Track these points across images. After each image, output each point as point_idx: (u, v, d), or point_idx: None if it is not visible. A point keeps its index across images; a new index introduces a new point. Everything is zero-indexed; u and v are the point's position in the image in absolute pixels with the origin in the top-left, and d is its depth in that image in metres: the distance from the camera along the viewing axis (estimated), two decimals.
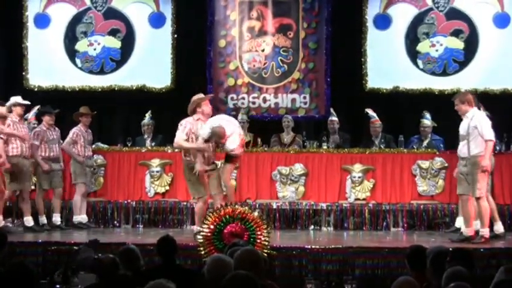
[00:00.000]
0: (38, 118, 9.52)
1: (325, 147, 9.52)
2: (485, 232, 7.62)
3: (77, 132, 9.19)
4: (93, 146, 9.74)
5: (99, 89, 11.16)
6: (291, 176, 9.22)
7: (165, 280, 3.35)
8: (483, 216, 7.64)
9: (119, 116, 11.37)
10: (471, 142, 7.61)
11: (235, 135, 7.77)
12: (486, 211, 7.64)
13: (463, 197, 7.82)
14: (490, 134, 7.60)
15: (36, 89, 11.15)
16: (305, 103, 11.08)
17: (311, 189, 9.26)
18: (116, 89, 11.18)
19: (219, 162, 8.19)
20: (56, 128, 9.21)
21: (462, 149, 7.77)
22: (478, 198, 7.58)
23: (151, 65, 11.17)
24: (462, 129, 7.74)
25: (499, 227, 8.22)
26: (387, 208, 9.18)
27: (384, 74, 10.95)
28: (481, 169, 7.49)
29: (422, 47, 10.94)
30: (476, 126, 7.57)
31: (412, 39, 10.95)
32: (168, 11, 11.23)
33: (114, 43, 11.26)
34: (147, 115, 10.13)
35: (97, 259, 5.05)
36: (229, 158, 7.95)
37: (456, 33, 10.89)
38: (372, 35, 10.97)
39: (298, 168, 9.22)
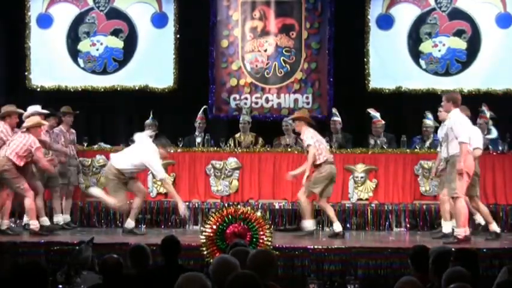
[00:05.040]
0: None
1: (327, 147, 9.49)
2: (460, 232, 7.45)
3: (56, 132, 9.03)
4: (96, 146, 9.76)
5: (102, 89, 11.16)
6: None
7: (199, 273, 3.36)
8: (458, 217, 7.52)
9: (121, 116, 11.37)
10: (450, 143, 7.54)
11: None
12: (461, 212, 7.47)
13: (444, 198, 7.90)
14: (464, 137, 7.41)
15: (38, 89, 11.15)
16: (307, 103, 11.06)
17: None
18: (119, 89, 11.18)
19: None
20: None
21: (443, 150, 7.75)
22: (454, 198, 7.48)
23: (153, 65, 11.17)
24: (441, 130, 7.70)
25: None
26: (390, 208, 9.17)
27: (386, 74, 10.95)
28: (457, 171, 7.38)
29: (425, 47, 10.93)
30: (452, 127, 7.48)
31: (414, 39, 10.94)
32: (170, 11, 11.23)
33: (117, 43, 11.26)
34: (151, 115, 10.12)
35: (102, 259, 5.05)
36: None
37: (459, 34, 10.89)
38: (375, 35, 10.96)
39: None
